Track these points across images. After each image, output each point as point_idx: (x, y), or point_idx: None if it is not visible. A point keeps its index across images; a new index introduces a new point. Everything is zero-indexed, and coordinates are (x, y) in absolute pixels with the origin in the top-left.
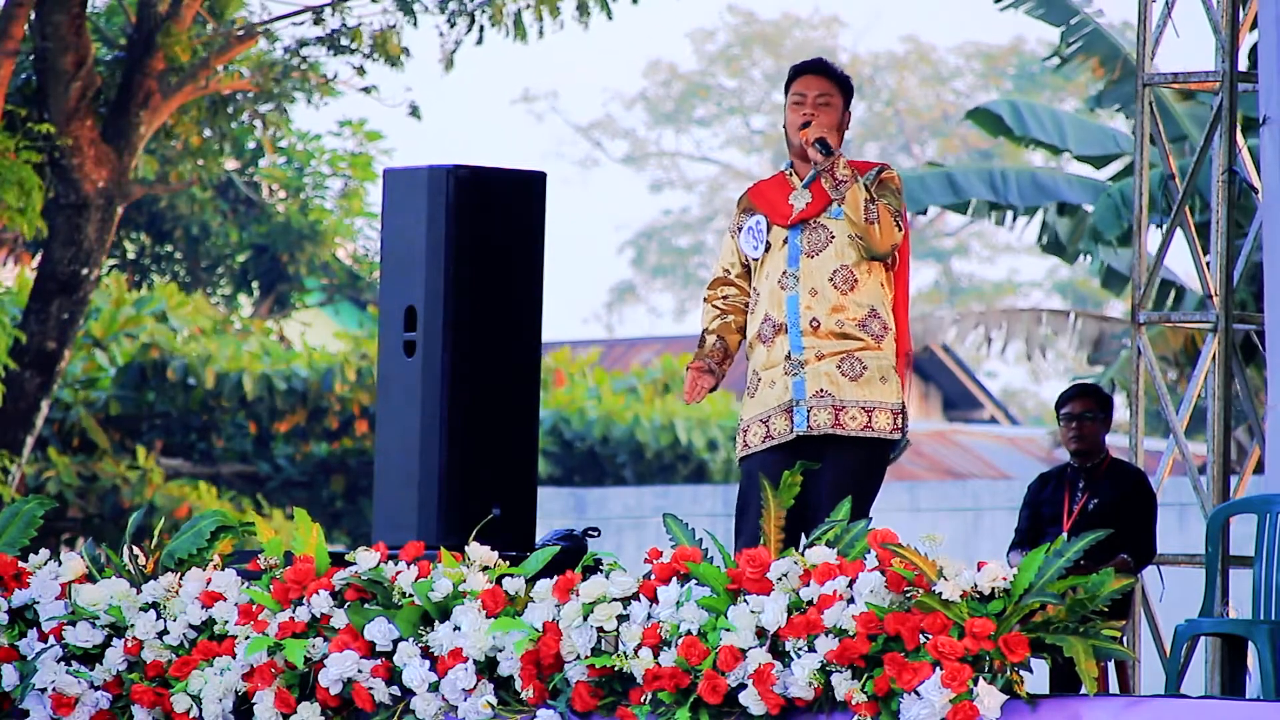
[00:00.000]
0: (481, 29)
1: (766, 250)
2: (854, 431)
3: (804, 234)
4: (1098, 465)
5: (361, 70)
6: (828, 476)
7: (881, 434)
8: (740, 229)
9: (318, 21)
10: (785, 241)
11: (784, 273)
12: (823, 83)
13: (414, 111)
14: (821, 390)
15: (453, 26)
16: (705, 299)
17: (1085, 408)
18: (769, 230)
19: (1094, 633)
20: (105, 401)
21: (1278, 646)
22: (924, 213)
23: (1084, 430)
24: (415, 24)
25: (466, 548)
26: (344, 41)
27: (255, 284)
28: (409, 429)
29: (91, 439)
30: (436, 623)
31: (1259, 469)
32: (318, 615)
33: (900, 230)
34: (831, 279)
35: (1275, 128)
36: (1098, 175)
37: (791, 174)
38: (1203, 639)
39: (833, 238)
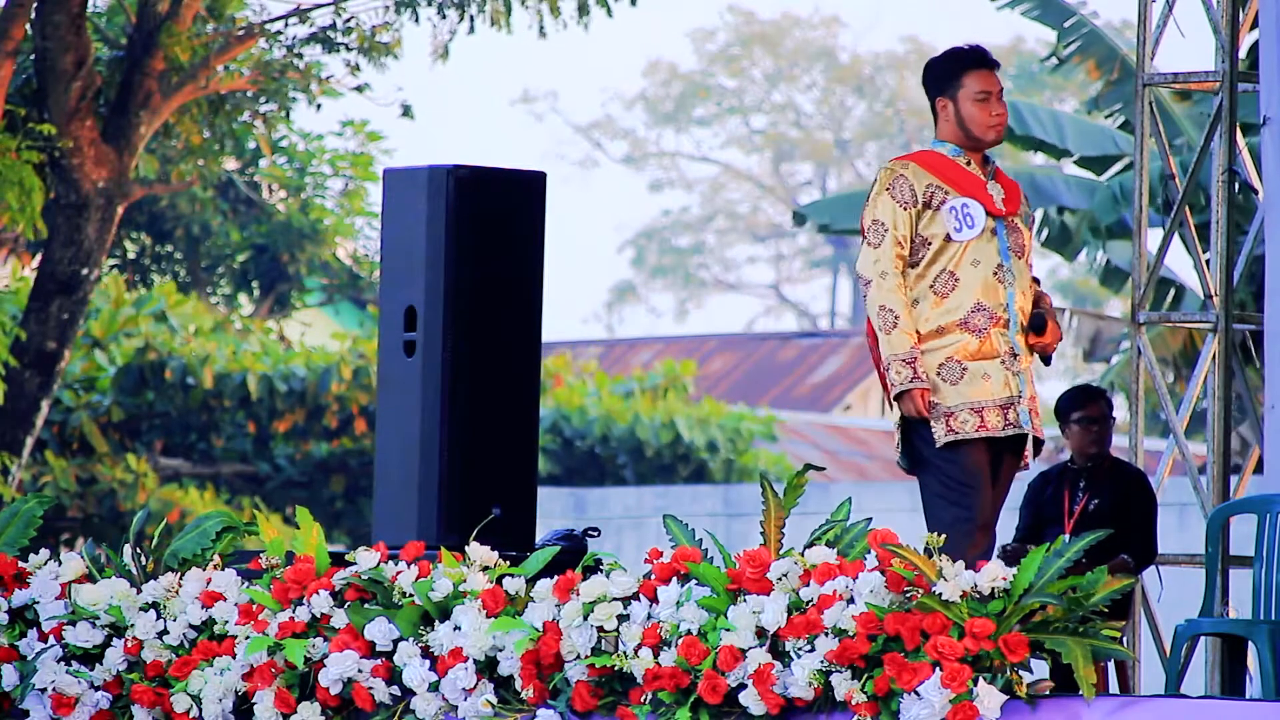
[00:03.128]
0: (472, 19)
1: (971, 229)
2: (1043, 438)
3: (1006, 231)
4: (1099, 466)
5: (356, 68)
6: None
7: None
8: (938, 205)
9: (303, 19)
10: (994, 233)
11: (999, 266)
12: (997, 79)
13: (406, 111)
14: (1034, 393)
15: (444, 18)
16: (894, 269)
17: (1100, 412)
18: (984, 216)
19: (1094, 633)
20: (107, 407)
21: (1278, 646)
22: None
23: (1102, 434)
24: (417, 19)
25: (466, 548)
26: (336, 38)
27: (255, 284)
28: (409, 429)
29: (90, 442)
30: (437, 622)
31: (1259, 469)
32: (318, 615)
33: None
34: (1027, 289)
35: (1275, 128)
36: (1097, 179)
37: (969, 163)
38: (1203, 639)
39: (1025, 245)
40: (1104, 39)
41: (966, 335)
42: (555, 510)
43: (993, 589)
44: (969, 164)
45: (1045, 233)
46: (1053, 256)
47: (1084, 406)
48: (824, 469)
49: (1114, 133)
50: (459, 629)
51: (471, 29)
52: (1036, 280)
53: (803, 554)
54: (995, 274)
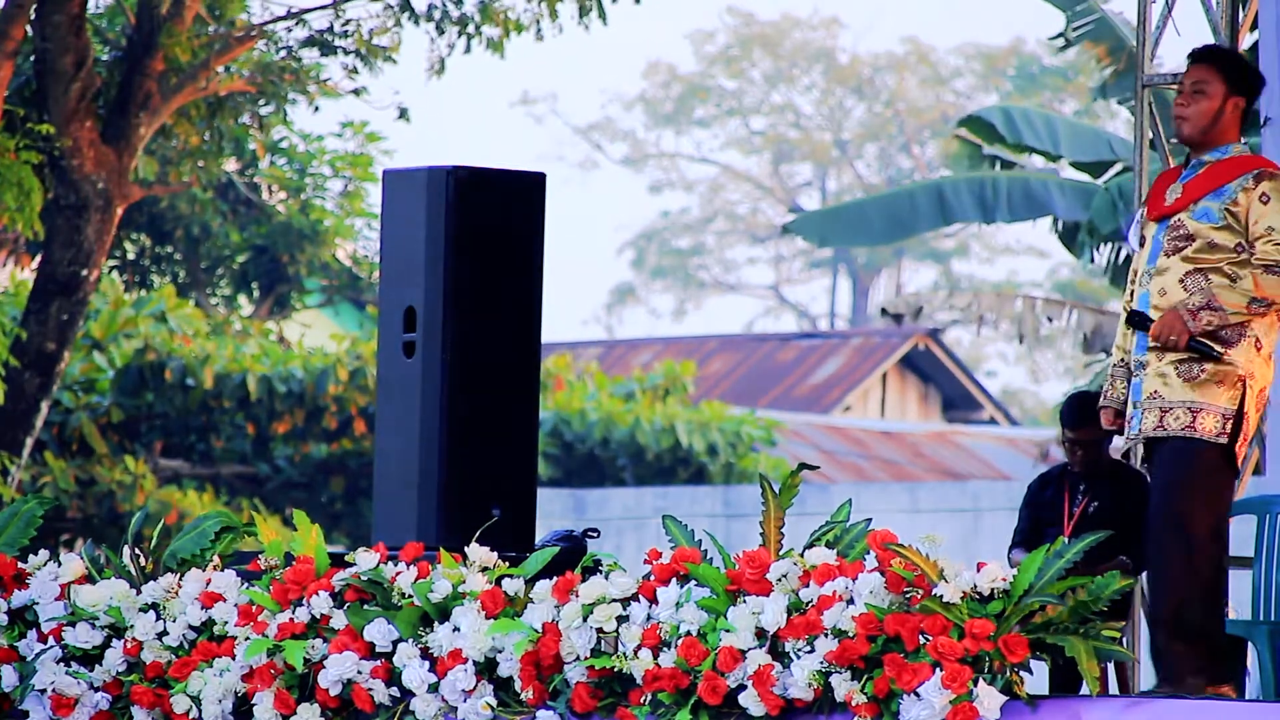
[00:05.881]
0: (470, 38)
1: (1142, 244)
2: (1175, 431)
3: (1167, 230)
4: (1098, 468)
5: (354, 71)
6: (1154, 478)
7: (1205, 436)
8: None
9: (300, 22)
10: (1154, 237)
11: (1145, 270)
12: (1198, 70)
13: (403, 115)
14: (1155, 392)
15: (441, 33)
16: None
17: (1091, 436)
18: (1144, 224)
19: (1094, 633)
20: (107, 408)
21: (1278, 646)
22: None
23: (1089, 455)
24: (417, 23)
25: (466, 549)
26: (335, 42)
27: (255, 285)
28: (409, 430)
29: (90, 444)
30: (436, 623)
31: (1259, 469)
32: (317, 616)
33: None
34: (1182, 281)
35: (1276, 128)
36: (1094, 183)
37: (1187, 162)
38: None
39: (1190, 239)
40: (1112, 27)
41: (1131, 336)
42: (555, 511)
43: (992, 590)
44: (1186, 163)
45: (1062, 224)
46: (1055, 256)
47: (1077, 429)
48: (818, 467)
49: (1110, 136)
50: (458, 630)
51: (468, 49)
52: (1271, 266)
53: (802, 555)
54: (1140, 280)
